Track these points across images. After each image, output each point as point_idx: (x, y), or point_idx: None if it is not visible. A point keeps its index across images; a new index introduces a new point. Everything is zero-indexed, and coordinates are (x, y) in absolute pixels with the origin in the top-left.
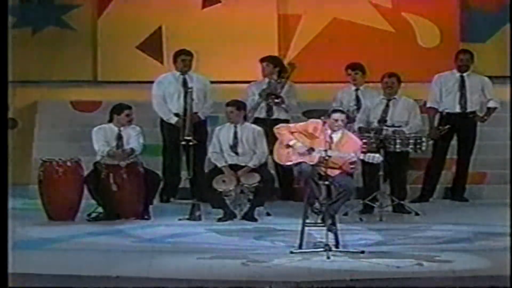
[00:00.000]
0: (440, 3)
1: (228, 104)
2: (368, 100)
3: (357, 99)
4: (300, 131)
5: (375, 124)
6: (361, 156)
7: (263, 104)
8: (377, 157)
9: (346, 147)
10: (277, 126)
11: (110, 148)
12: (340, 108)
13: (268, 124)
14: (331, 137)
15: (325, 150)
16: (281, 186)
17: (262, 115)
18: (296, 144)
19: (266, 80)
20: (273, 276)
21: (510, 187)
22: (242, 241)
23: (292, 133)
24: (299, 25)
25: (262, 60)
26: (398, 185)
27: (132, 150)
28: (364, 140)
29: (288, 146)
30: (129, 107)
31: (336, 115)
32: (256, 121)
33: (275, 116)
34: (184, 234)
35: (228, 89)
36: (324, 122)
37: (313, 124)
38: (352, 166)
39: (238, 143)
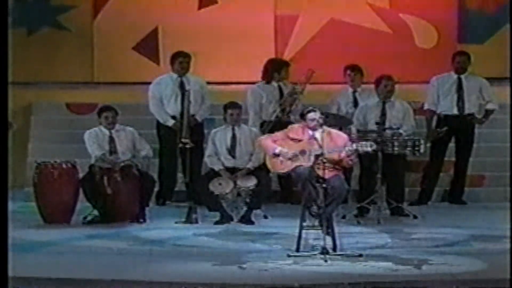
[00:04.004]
0: (437, 4)
1: (229, 107)
2: (365, 101)
3: (355, 101)
4: (282, 138)
5: (374, 127)
6: (354, 146)
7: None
8: (370, 144)
9: (334, 142)
10: (259, 138)
11: (102, 152)
12: (313, 108)
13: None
14: (315, 137)
15: (320, 149)
16: (282, 188)
17: (274, 118)
18: (282, 151)
19: (275, 84)
20: (270, 280)
21: (510, 189)
22: (239, 244)
23: (275, 141)
24: (296, 26)
25: (284, 65)
26: (396, 188)
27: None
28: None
29: (276, 155)
30: (110, 109)
31: (311, 115)
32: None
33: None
34: (181, 237)
35: (225, 91)
36: (304, 125)
37: (292, 129)
38: (350, 159)
39: (236, 145)
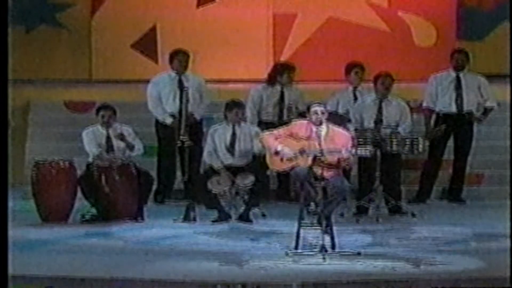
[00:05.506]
0: (436, 2)
1: (235, 105)
2: (362, 99)
3: (355, 99)
4: (285, 135)
5: (371, 125)
6: (353, 151)
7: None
8: (369, 150)
9: (337, 141)
10: (261, 135)
11: (100, 151)
12: (319, 103)
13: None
14: (318, 134)
15: (320, 150)
16: (279, 187)
17: (275, 119)
18: (284, 150)
19: (278, 87)
20: (269, 278)
21: (510, 188)
22: (237, 242)
23: (276, 138)
24: (294, 24)
25: (287, 68)
26: (393, 186)
27: (125, 151)
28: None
29: (277, 152)
30: (107, 108)
31: (314, 108)
32: (265, 124)
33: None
34: (179, 236)
35: (223, 89)
36: (308, 121)
37: (297, 125)
38: (348, 162)
39: (236, 143)
